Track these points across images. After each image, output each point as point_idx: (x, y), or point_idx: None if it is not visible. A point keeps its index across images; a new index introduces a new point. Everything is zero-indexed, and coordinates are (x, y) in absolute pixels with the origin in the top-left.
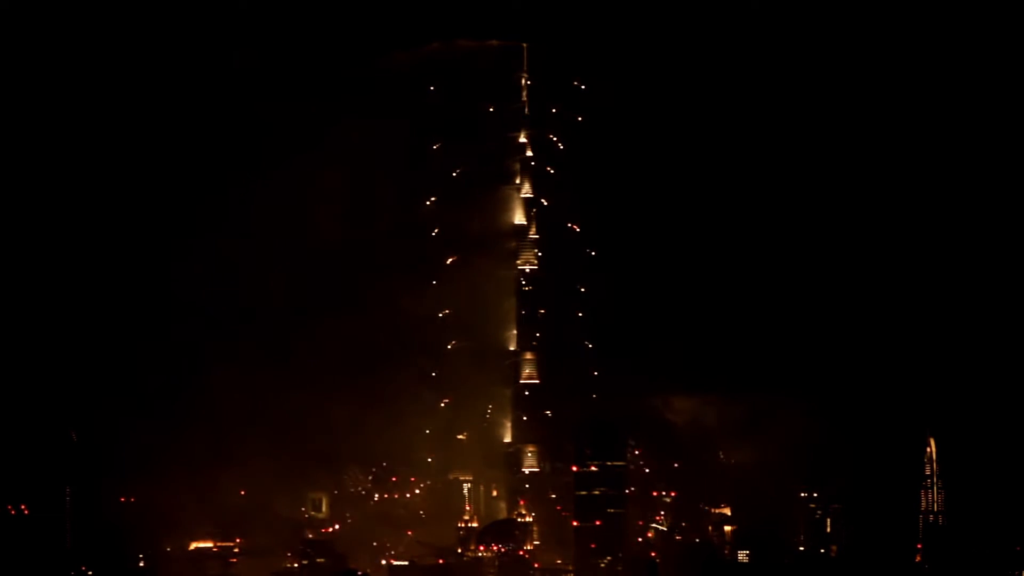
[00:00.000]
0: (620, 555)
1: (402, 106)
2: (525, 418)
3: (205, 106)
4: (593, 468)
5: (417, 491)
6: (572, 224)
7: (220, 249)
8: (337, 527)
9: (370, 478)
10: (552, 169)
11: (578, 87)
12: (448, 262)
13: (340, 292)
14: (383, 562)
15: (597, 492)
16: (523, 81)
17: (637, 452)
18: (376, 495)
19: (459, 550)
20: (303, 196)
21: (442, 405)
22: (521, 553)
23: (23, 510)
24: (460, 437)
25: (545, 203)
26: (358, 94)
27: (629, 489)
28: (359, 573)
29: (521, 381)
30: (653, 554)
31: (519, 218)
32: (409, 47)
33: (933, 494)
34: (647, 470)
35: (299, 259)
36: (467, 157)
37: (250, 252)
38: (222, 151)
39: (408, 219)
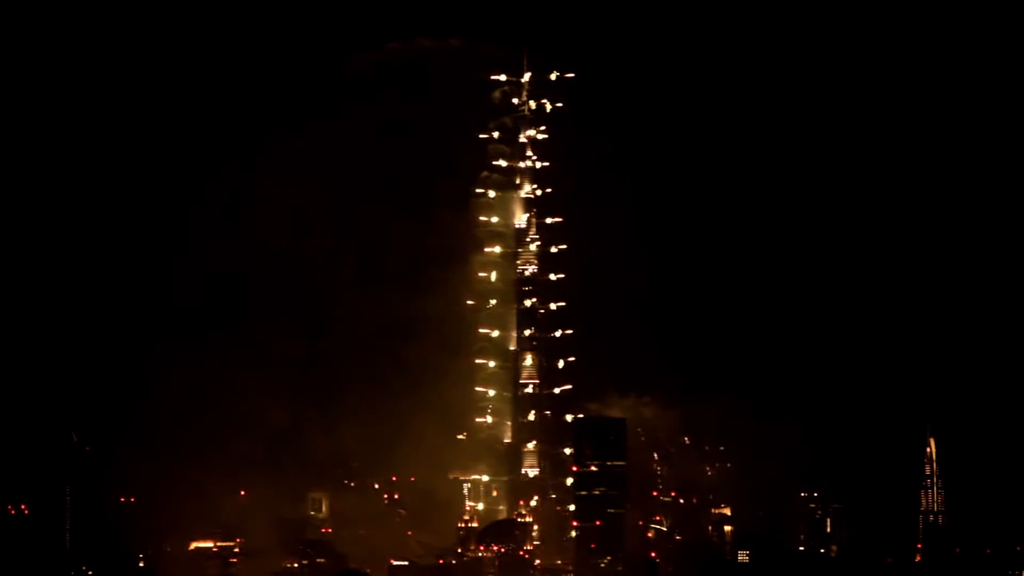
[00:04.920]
0: (620, 555)
1: (367, 108)
2: (525, 418)
3: (170, 113)
4: (593, 468)
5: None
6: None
7: (208, 249)
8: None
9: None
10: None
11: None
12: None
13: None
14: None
15: (597, 492)
16: (522, 80)
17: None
18: (374, 495)
19: (459, 550)
20: (268, 201)
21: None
22: (521, 553)
23: (23, 510)
24: (460, 437)
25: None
26: (326, 97)
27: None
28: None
29: (521, 381)
30: (653, 554)
31: (519, 219)
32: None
33: (933, 494)
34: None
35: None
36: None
37: (239, 253)
38: (184, 157)
39: (367, 225)
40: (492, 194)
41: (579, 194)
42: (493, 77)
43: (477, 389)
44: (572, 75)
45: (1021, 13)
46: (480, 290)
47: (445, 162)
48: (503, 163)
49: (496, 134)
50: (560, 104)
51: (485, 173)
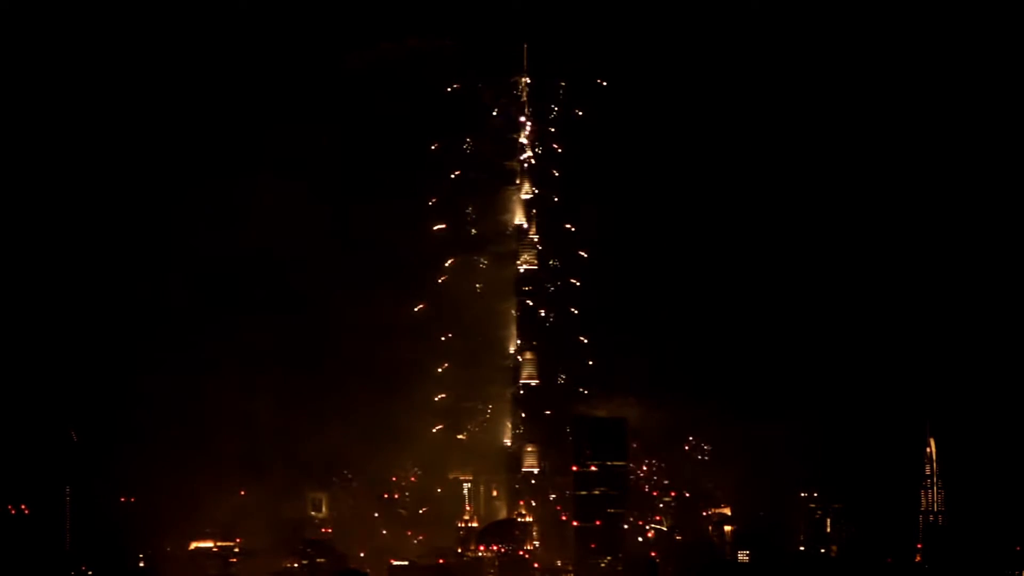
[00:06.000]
0: (620, 555)
1: (360, 107)
2: (525, 418)
3: (160, 113)
4: (593, 468)
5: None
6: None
7: (205, 248)
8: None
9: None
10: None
11: (573, 86)
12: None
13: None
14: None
15: (597, 492)
16: (522, 81)
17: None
18: (374, 495)
19: (459, 550)
20: (252, 202)
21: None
22: (521, 553)
23: (23, 510)
24: (460, 437)
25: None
26: (317, 96)
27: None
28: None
29: (521, 381)
30: (653, 554)
31: (519, 219)
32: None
33: (933, 494)
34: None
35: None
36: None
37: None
38: (174, 156)
39: (362, 224)
40: (483, 195)
41: (577, 197)
42: (489, 78)
43: (438, 397)
44: (604, 83)
45: (1021, 13)
46: (469, 291)
47: (441, 162)
48: (497, 164)
49: (488, 134)
50: (580, 112)
51: (474, 174)
